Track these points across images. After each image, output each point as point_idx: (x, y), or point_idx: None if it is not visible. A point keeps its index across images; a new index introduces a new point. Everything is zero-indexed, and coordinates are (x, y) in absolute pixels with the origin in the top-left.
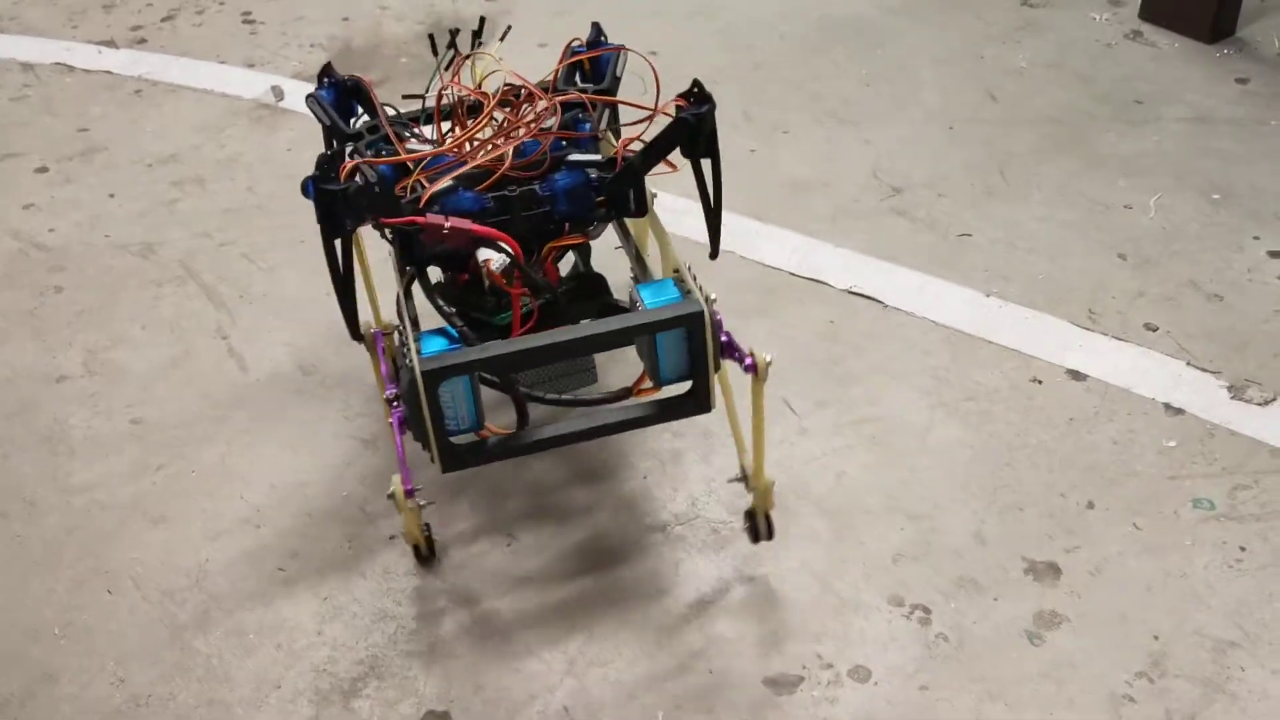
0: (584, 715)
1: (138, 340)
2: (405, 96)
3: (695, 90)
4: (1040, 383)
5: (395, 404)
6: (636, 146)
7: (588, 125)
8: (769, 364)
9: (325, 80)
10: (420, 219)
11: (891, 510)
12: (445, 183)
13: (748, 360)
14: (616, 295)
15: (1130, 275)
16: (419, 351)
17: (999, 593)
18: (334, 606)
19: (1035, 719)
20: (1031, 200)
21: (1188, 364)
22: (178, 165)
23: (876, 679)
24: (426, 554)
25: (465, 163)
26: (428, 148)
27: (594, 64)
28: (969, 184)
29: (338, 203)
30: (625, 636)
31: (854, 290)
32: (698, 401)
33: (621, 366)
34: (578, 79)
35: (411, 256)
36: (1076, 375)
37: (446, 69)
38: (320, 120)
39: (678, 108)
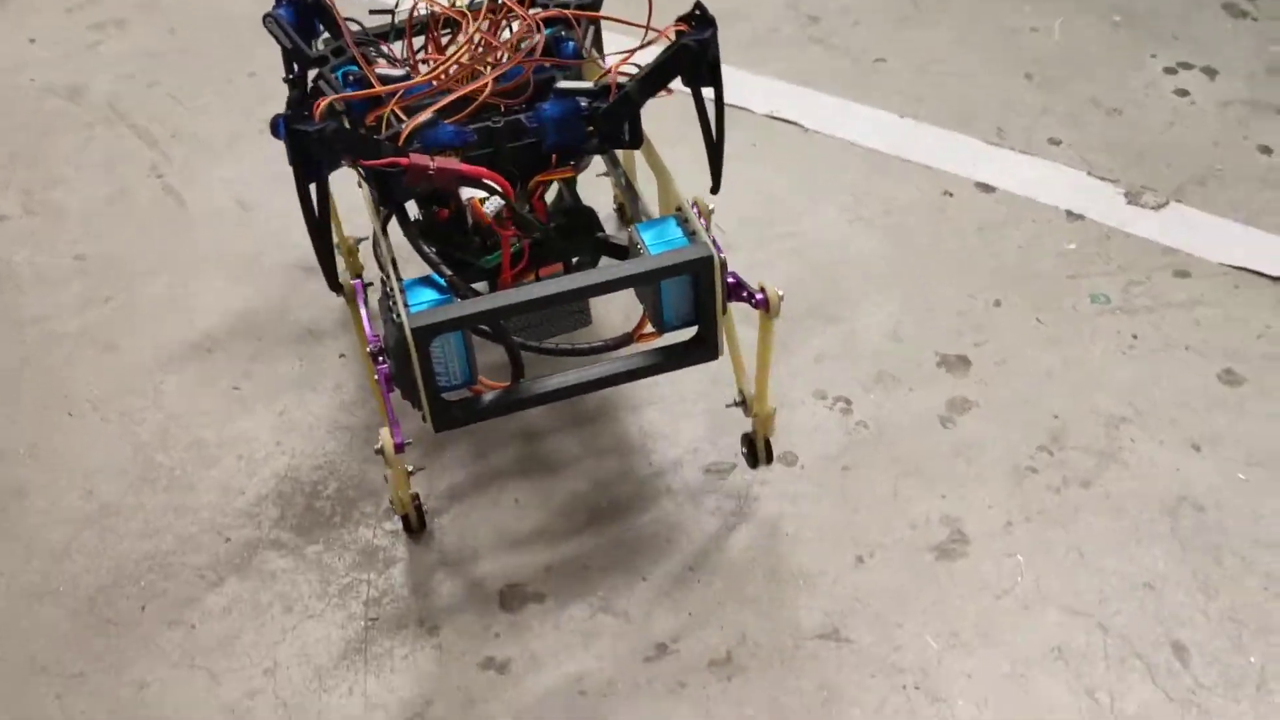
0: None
1: (73, 181)
2: (372, 11)
3: (697, 12)
4: (951, 195)
5: (380, 359)
6: (628, 69)
7: (571, 44)
8: (781, 299)
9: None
10: (404, 160)
11: (814, 316)
12: (425, 116)
13: (759, 296)
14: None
15: (1035, 94)
16: (407, 306)
17: (914, 384)
18: (290, 420)
19: (947, 491)
20: (942, 26)
21: (1088, 174)
22: (97, 8)
23: (803, 463)
24: (416, 526)
25: (442, 90)
26: (398, 71)
27: None
28: (883, 12)
29: (313, 145)
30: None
31: (774, 115)
32: (705, 348)
33: (618, 306)
34: None
35: (389, 196)
36: (985, 188)
37: None
38: (280, 43)
39: (678, 32)
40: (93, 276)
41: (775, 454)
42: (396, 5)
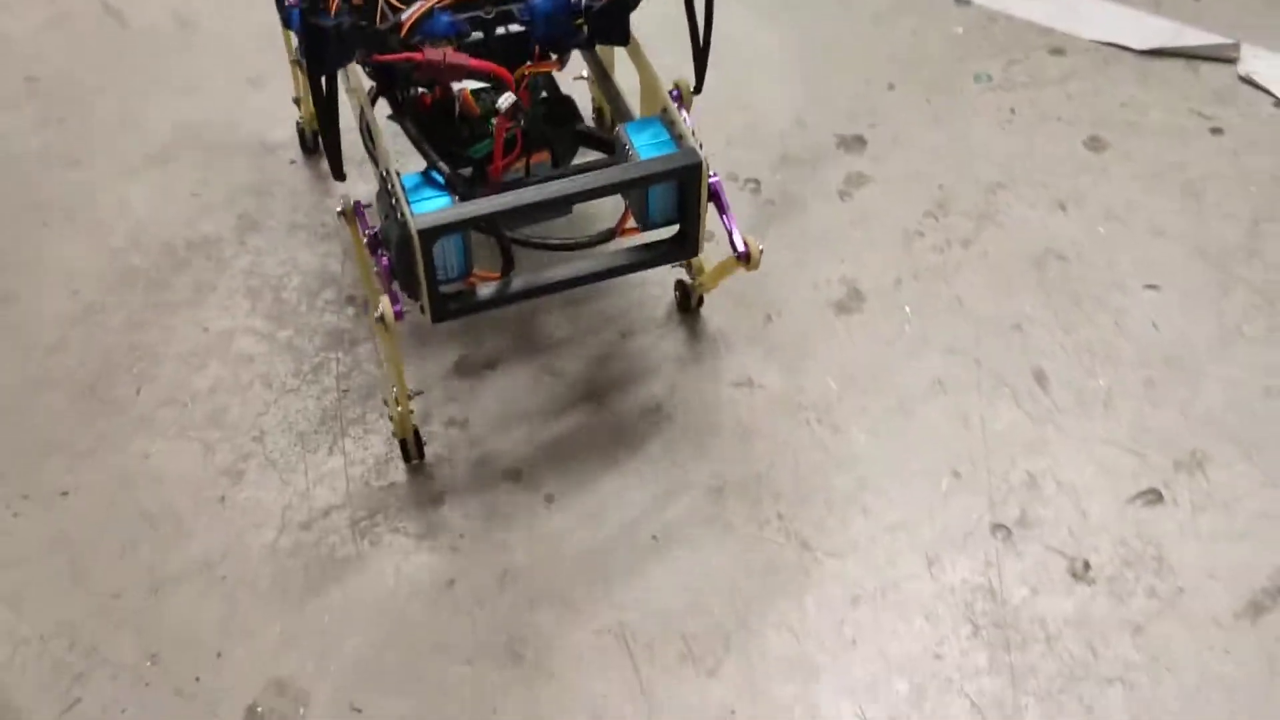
0: None
1: (12, 6)
2: None
3: None
4: None
5: (380, 251)
6: None
7: None
8: (761, 252)
9: None
10: (418, 55)
11: (723, 107)
12: (423, 8)
13: (741, 249)
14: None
15: None
16: (411, 206)
17: (815, 164)
18: (251, 221)
19: (846, 256)
20: None
21: None
22: None
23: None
24: (415, 455)
25: None
26: None
27: None
28: None
29: (330, 39)
30: None
31: None
32: (687, 246)
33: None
34: None
35: (389, 86)
36: None
37: None
38: None
39: None
40: (45, 97)
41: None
42: None
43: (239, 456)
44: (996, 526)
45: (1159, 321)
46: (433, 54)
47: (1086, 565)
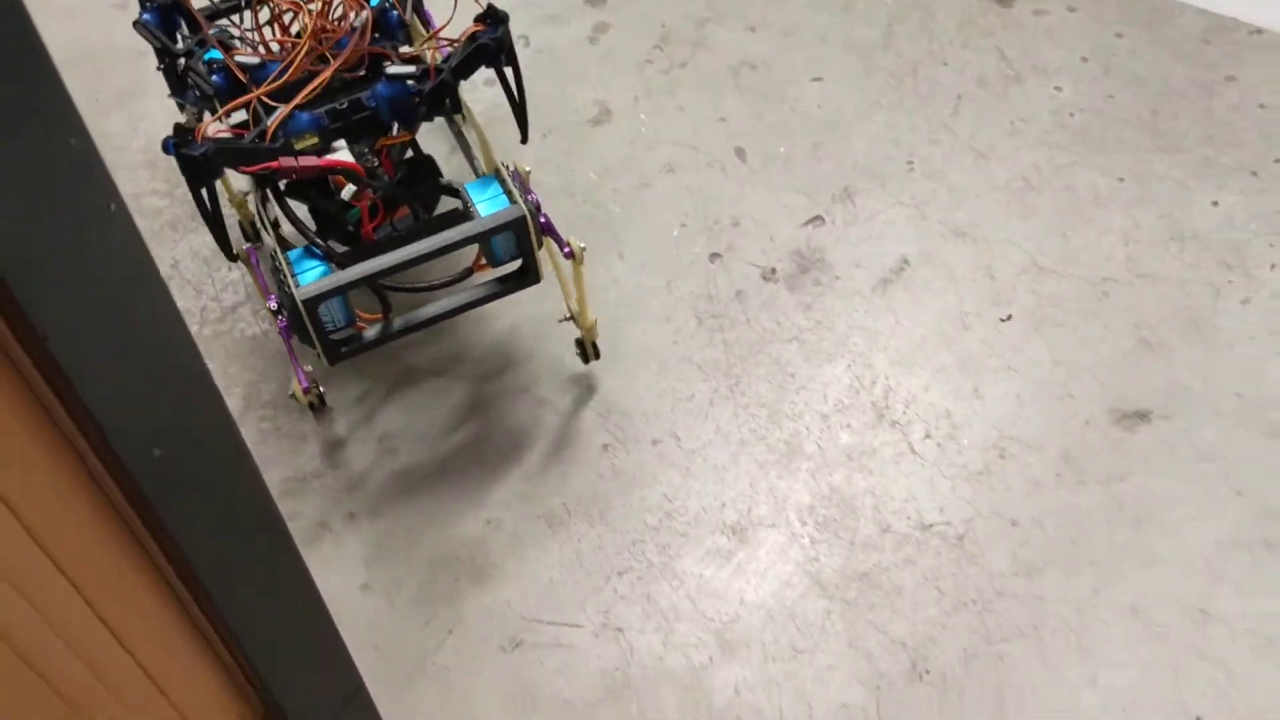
0: None
1: None
2: None
3: (490, 14)
4: None
5: (279, 315)
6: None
7: (395, 14)
8: (583, 250)
9: (148, 4)
10: (275, 164)
11: None
12: (284, 113)
13: (566, 250)
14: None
15: None
16: (295, 278)
17: (569, 20)
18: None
19: (596, 85)
20: None
21: None
22: None
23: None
24: (319, 406)
25: (288, 67)
26: (254, 59)
27: None
28: None
29: (200, 164)
30: None
31: None
32: (529, 276)
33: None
34: None
35: (264, 183)
36: None
37: None
38: (151, 44)
39: (475, 34)
40: None
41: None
42: None
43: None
44: (713, 255)
45: (821, 103)
46: (287, 162)
47: (773, 270)
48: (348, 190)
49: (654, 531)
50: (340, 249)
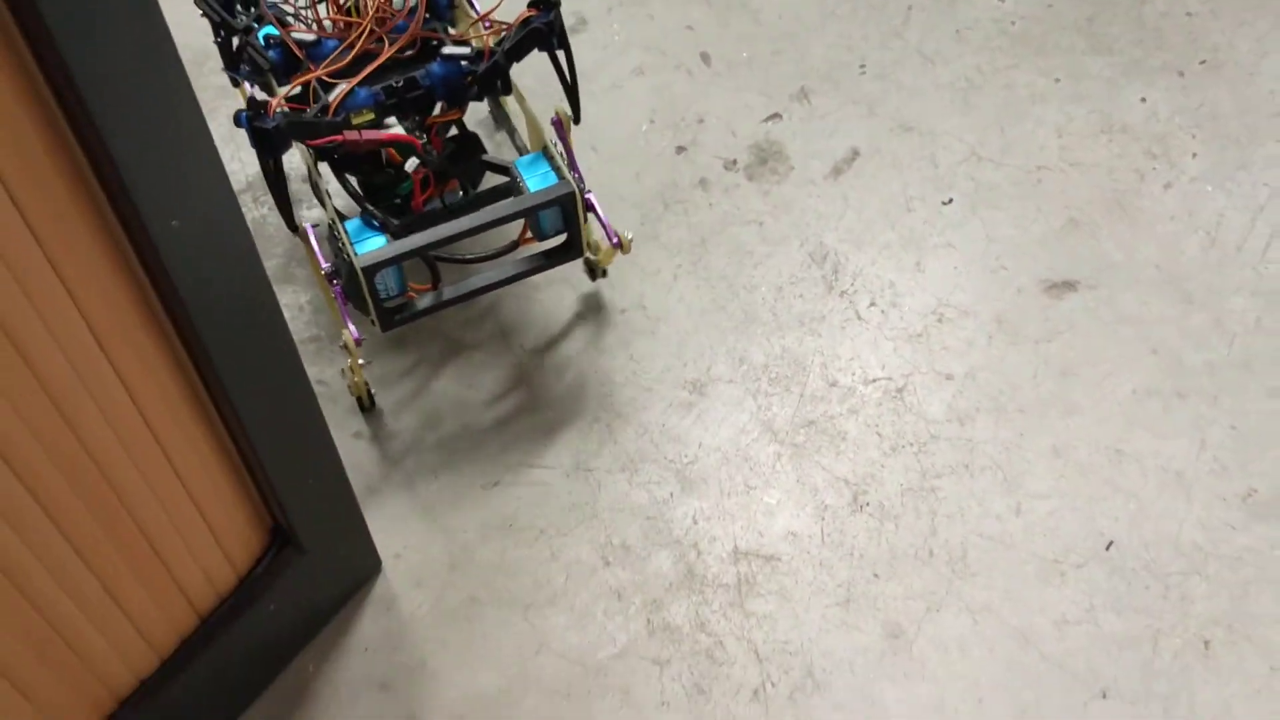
0: None
1: None
2: None
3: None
4: None
5: (334, 280)
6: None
7: None
8: (631, 240)
9: None
10: (340, 137)
11: None
12: (345, 89)
13: (614, 240)
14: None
15: None
16: (354, 246)
17: None
18: None
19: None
20: None
21: None
22: None
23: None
24: (369, 406)
25: (349, 47)
26: (309, 36)
27: None
28: None
29: (273, 136)
30: None
31: None
32: (573, 250)
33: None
34: None
35: (324, 155)
36: None
37: None
38: (210, 17)
39: (528, 19)
40: None
41: None
42: None
43: None
44: (679, 148)
45: (782, 14)
46: (351, 135)
47: (734, 161)
48: (411, 163)
49: (621, 388)
50: (393, 220)
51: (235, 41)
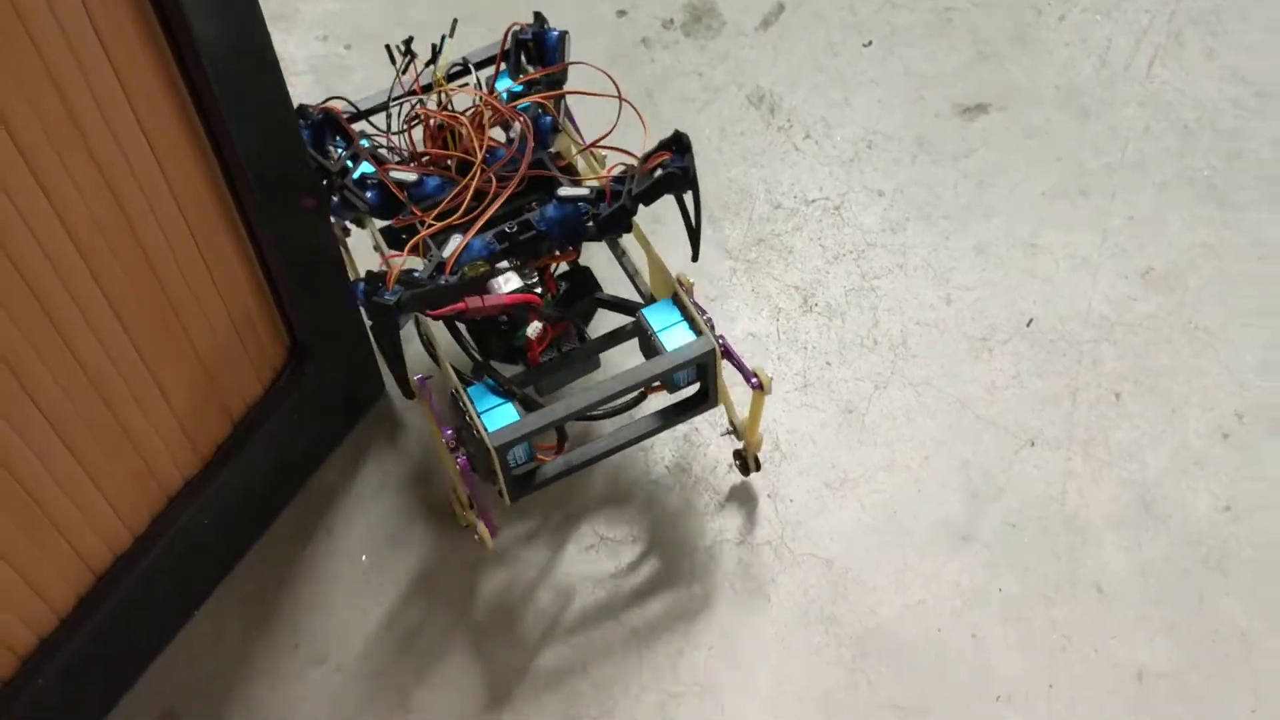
0: None
1: None
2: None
3: (677, 141)
4: None
5: (458, 452)
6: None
7: (549, 120)
8: (771, 380)
9: (301, 121)
10: (463, 305)
11: None
12: (461, 245)
13: (754, 381)
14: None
15: None
16: (484, 425)
17: None
18: None
19: None
20: None
21: None
22: None
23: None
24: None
25: (463, 189)
26: (411, 176)
27: (539, 46)
28: None
29: (392, 312)
30: None
31: None
32: (707, 401)
33: (626, 349)
34: (523, 61)
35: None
36: None
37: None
38: (308, 163)
39: (662, 162)
40: None
41: None
42: (389, 103)
43: None
44: (619, 12)
45: None
46: (474, 303)
47: (672, 20)
48: (533, 328)
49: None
50: (518, 387)
51: (328, 183)
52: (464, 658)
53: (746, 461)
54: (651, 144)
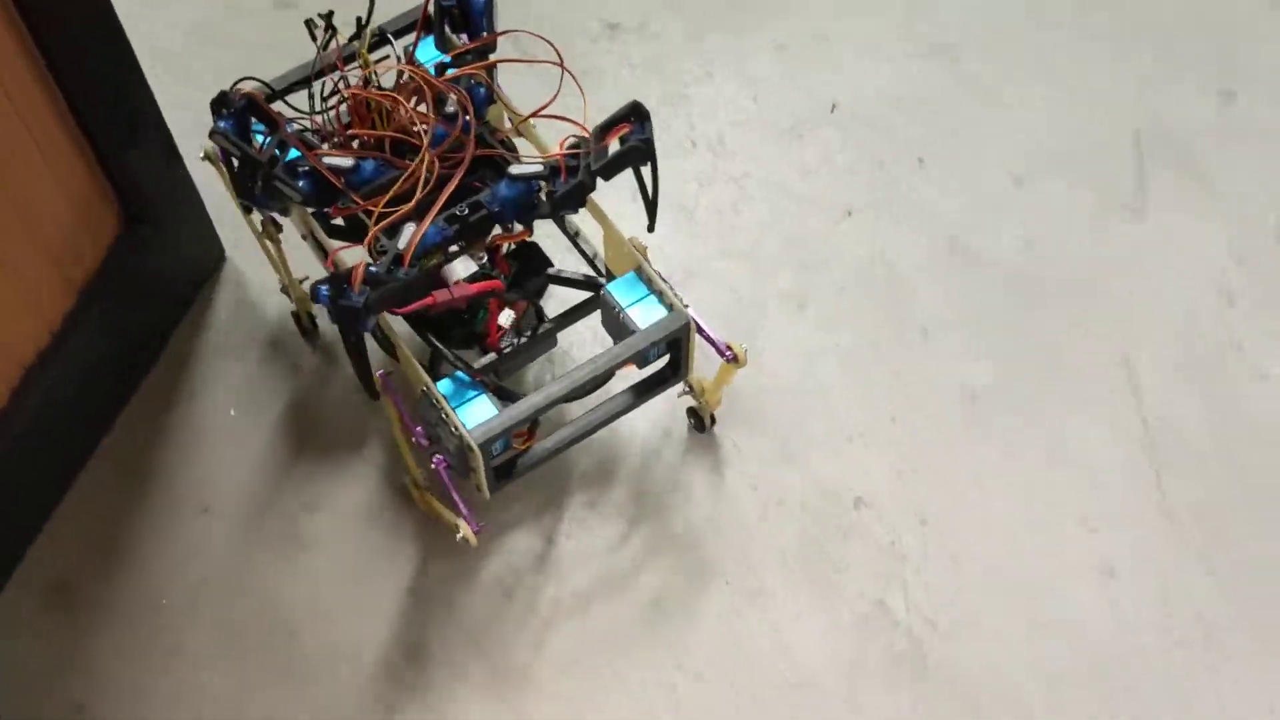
0: None
1: None
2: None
3: (635, 111)
4: None
5: (436, 455)
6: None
7: (484, 91)
8: (746, 351)
9: (223, 111)
10: (431, 300)
11: None
12: (416, 235)
13: (728, 354)
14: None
15: None
16: (461, 423)
17: None
18: None
19: None
20: None
21: None
22: None
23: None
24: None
25: (388, 167)
26: (347, 161)
27: (464, 12)
28: None
29: (359, 317)
30: None
31: None
32: (679, 372)
33: (586, 325)
34: (449, 31)
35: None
36: None
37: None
38: (232, 155)
39: (623, 135)
40: None
41: None
42: (311, 81)
43: None
44: None
45: None
46: (444, 296)
47: None
48: (505, 315)
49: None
50: (486, 375)
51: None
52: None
53: (703, 418)
54: (595, 114)
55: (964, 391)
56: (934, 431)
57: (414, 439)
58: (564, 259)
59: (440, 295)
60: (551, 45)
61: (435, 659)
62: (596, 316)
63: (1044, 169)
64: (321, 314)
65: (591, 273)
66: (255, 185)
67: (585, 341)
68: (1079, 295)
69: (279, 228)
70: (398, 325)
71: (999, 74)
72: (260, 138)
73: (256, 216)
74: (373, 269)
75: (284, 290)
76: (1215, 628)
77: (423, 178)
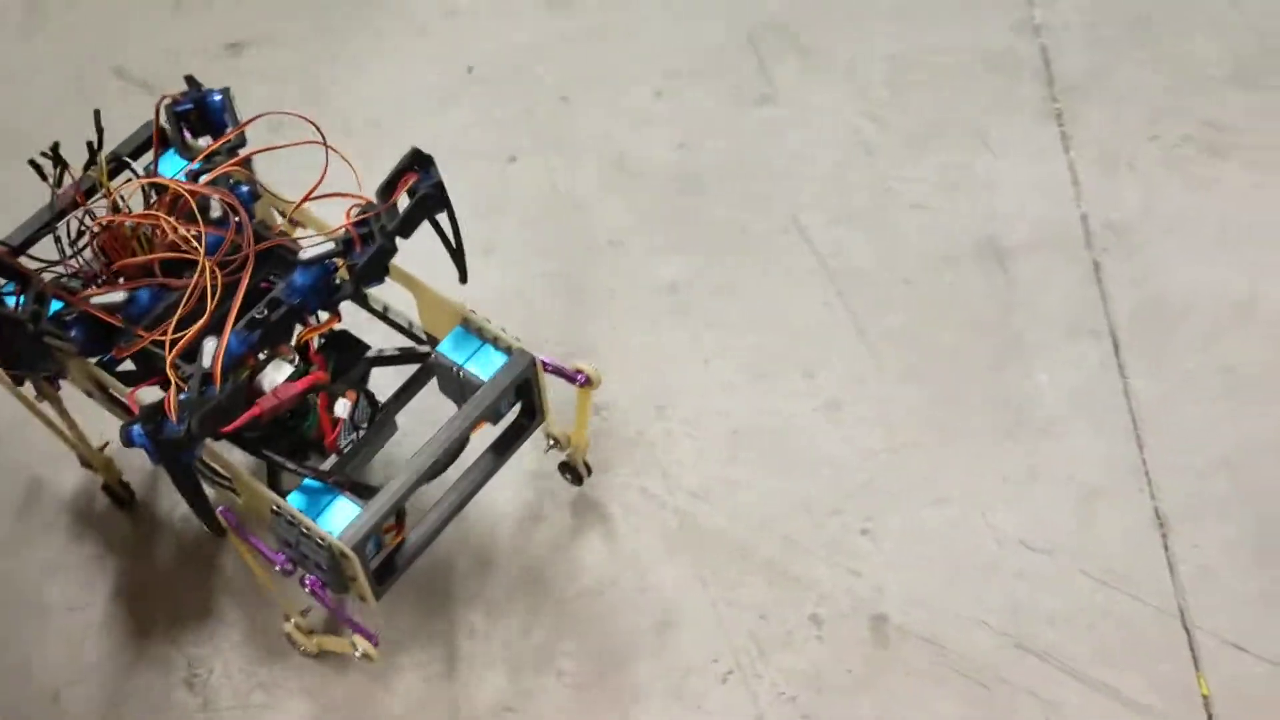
0: None
1: None
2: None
3: (417, 159)
4: None
5: (304, 574)
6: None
7: (247, 188)
8: (598, 372)
9: None
10: (257, 410)
11: None
12: (219, 352)
13: (581, 378)
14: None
15: None
16: (324, 530)
17: None
18: None
19: None
20: None
21: None
22: None
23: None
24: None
25: (166, 290)
26: (119, 296)
27: (202, 114)
28: None
29: (184, 447)
30: None
31: None
32: (535, 416)
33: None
34: (189, 138)
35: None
36: None
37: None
38: None
39: (411, 186)
40: None
41: None
42: (53, 222)
43: None
44: None
45: None
46: (267, 402)
47: None
48: (340, 405)
49: None
50: (360, 483)
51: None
52: None
53: (577, 469)
54: (370, 178)
55: (666, 284)
56: (649, 327)
57: (278, 568)
58: (378, 339)
59: (265, 403)
60: (307, 120)
61: None
62: (432, 387)
63: (679, 80)
64: (138, 474)
65: (411, 343)
66: (22, 349)
67: (426, 418)
68: (738, 179)
69: (57, 386)
70: (233, 456)
71: (614, 9)
72: (11, 299)
73: (29, 389)
74: (184, 395)
75: (84, 465)
76: (930, 424)
77: (208, 289)
